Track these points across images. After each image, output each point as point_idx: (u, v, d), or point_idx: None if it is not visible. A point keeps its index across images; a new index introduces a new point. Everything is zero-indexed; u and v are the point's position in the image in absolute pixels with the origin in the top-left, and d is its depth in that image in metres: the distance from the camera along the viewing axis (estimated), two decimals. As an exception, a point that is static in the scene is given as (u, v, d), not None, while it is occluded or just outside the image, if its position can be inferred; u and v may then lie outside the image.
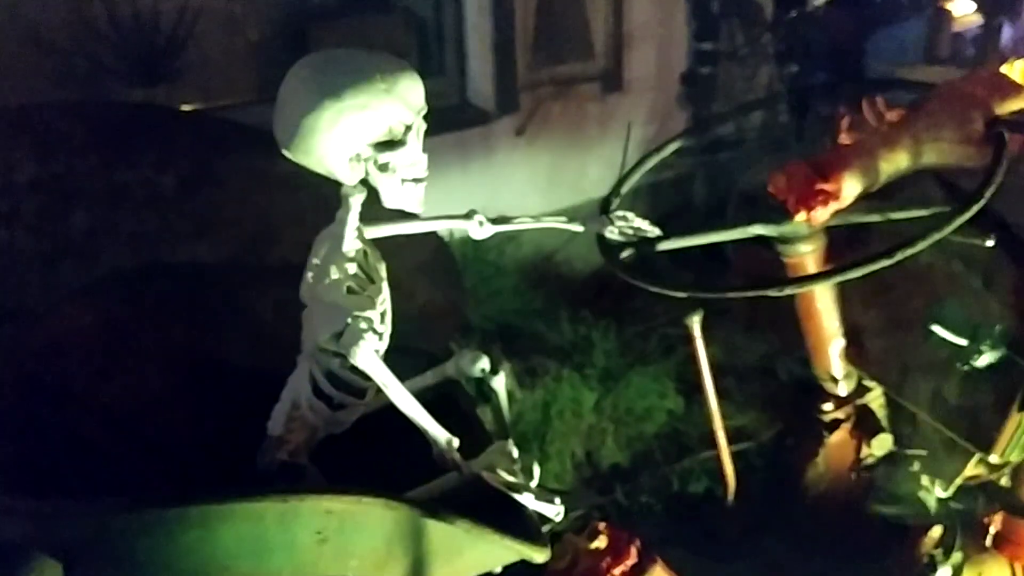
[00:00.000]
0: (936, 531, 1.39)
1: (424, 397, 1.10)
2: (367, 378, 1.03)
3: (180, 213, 1.37)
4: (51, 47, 2.82)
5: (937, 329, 1.15)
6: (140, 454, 1.07)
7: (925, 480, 1.34)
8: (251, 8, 3.48)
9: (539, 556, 0.99)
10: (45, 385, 1.12)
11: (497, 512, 1.04)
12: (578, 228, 1.27)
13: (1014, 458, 1.13)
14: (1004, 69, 2.45)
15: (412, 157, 1.01)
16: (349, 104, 0.95)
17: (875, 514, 1.42)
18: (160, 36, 3.14)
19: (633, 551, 1.12)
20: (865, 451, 1.42)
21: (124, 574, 0.85)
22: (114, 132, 1.41)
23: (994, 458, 1.17)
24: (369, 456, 1.13)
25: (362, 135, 0.97)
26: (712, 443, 1.47)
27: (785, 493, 1.48)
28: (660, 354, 2.87)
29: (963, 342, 1.11)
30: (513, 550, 0.97)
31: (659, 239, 1.25)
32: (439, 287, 1.89)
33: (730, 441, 1.51)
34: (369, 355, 0.97)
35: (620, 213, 1.29)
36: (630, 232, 1.27)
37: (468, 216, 1.19)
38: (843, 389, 1.42)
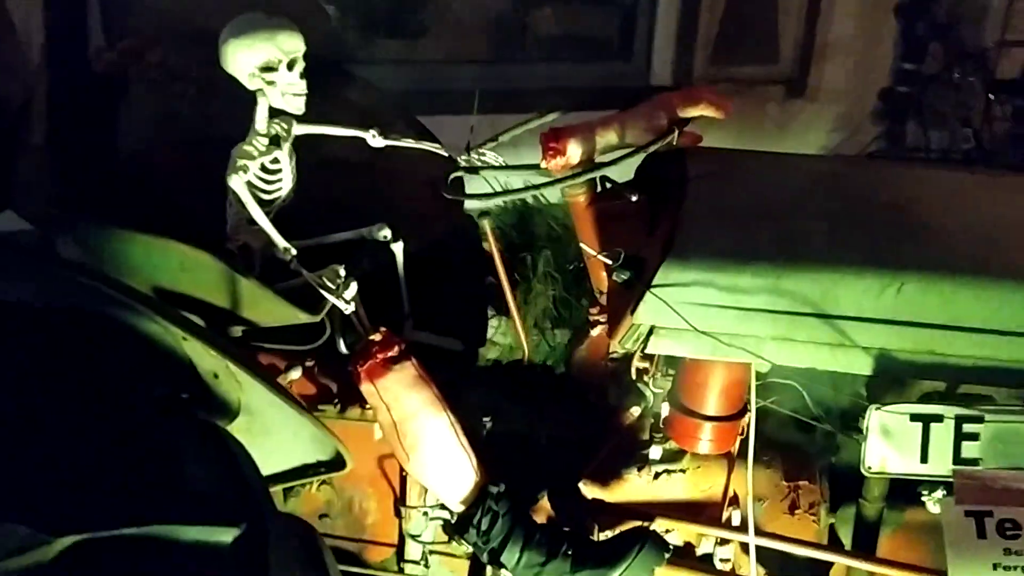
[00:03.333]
0: (632, 412, 1.88)
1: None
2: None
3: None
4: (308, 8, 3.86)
5: (586, 247, 1.66)
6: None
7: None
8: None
9: (304, 317, 1.71)
10: None
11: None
12: (442, 152, 1.93)
13: (629, 346, 1.62)
14: None
15: (287, 79, 1.74)
16: (242, 42, 1.71)
17: (612, 396, 1.93)
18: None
19: (396, 347, 1.79)
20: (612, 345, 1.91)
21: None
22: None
23: (615, 345, 1.65)
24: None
25: (250, 61, 1.72)
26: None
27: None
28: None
29: (608, 261, 1.62)
30: (288, 311, 1.70)
31: (487, 167, 1.87)
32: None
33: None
34: (238, 183, 1.73)
35: (484, 150, 1.93)
36: (479, 163, 1.90)
37: (366, 129, 1.91)
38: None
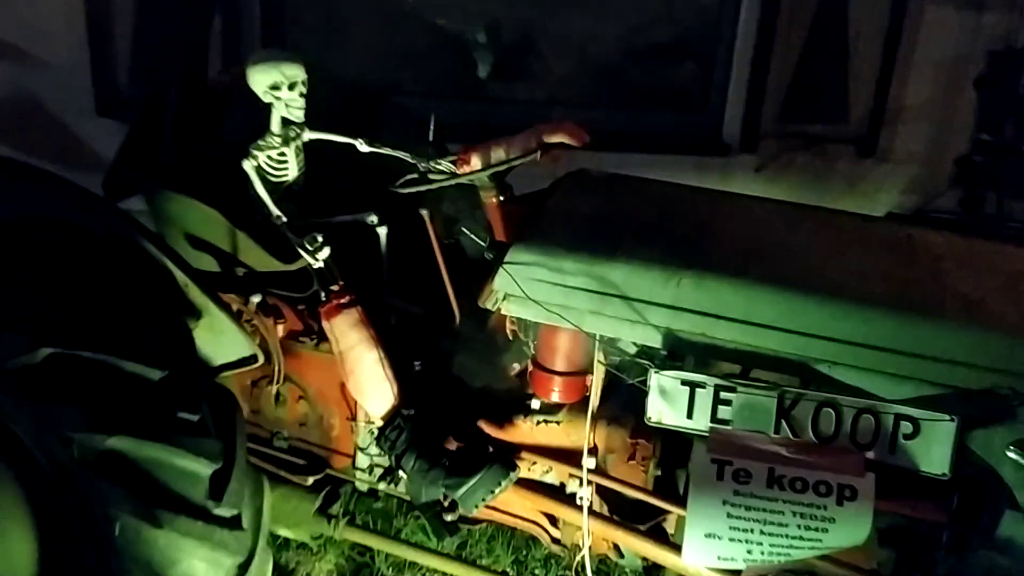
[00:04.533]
0: (514, 367, 2.39)
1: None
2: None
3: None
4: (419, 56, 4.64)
5: (468, 233, 2.21)
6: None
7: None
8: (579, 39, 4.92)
9: (278, 265, 2.39)
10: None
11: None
12: (410, 160, 2.56)
13: (490, 307, 2.16)
14: None
15: (288, 96, 2.43)
16: (256, 68, 2.42)
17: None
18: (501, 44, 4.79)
19: (347, 296, 2.42)
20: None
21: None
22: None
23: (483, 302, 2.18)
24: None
25: (262, 81, 2.43)
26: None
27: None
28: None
29: (482, 243, 2.19)
30: (268, 259, 2.39)
31: (434, 171, 2.47)
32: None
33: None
34: (248, 166, 2.44)
35: (441, 161, 2.54)
36: (431, 170, 2.51)
37: (354, 137, 2.57)
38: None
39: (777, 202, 2.36)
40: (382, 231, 2.62)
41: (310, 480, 2.56)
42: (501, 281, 2.14)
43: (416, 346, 2.56)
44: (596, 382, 2.24)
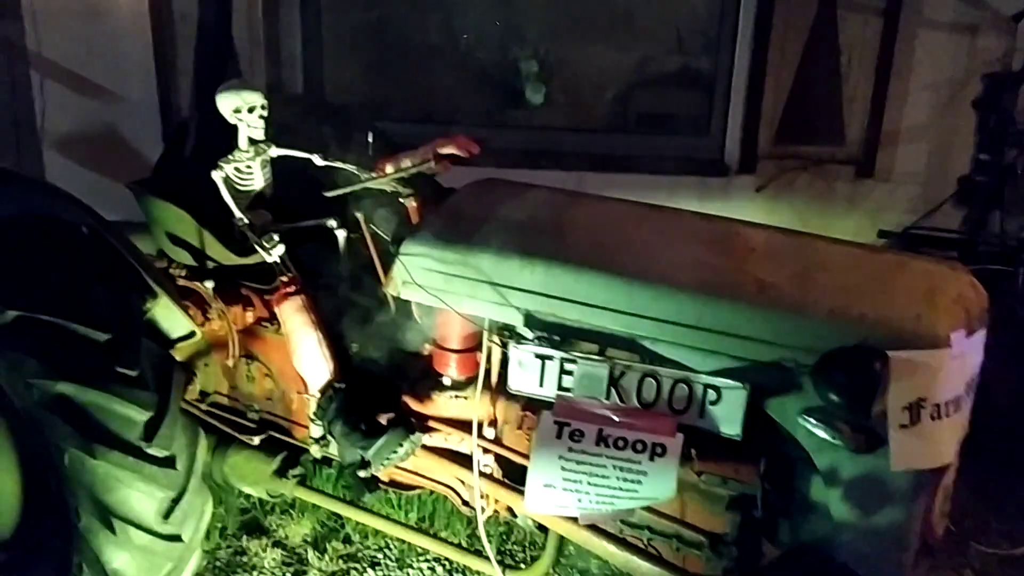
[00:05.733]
0: (426, 347, 2.73)
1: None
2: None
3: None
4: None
5: (375, 228, 2.60)
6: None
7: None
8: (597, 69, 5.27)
9: (236, 260, 2.84)
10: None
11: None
12: (357, 173, 2.98)
13: (391, 291, 2.53)
14: None
15: (248, 118, 2.89)
16: (222, 95, 2.89)
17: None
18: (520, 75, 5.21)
19: (294, 286, 2.85)
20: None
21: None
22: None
23: (385, 288, 2.54)
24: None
25: (227, 105, 2.89)
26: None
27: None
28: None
29: (388, 237, 2.56)
30: (227, 253, 2.84)
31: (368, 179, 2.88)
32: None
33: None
34: (216, 176, 2.90)
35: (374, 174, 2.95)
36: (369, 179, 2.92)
37: (312, 152, 3.01)
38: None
39: (635, 203, 2.65)
40: (340, 234, 3.04)
41: (256, 440, 3.00)
42: (398, 270, 2.53)
43: (355, 330, 2.96)
44: (484, 358, 2.57)
